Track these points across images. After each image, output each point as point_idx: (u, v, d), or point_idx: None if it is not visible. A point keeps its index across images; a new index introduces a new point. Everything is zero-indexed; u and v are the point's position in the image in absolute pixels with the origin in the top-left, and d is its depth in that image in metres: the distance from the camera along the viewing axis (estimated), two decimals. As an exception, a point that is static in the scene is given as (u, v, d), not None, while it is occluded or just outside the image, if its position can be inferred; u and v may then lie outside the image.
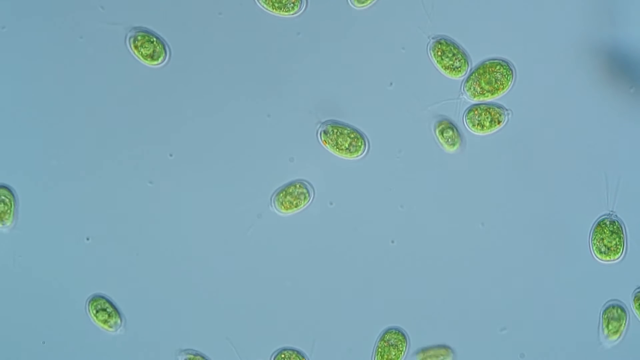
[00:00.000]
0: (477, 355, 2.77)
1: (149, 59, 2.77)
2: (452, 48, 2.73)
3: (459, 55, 2.73)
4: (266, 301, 2.79)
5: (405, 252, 2.79)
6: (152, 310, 2.79)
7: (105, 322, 2.76)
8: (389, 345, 2.77)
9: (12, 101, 2.77)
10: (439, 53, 2.73)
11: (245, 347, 2.78)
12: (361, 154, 2.75)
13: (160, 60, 2.77)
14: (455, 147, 2.72)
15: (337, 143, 2.74)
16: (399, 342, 2.77)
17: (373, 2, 2.70)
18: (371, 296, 2.79)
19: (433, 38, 2.73)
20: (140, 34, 2.67)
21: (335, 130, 2.73)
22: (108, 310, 2.76)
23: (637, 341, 2.78)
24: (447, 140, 2.69)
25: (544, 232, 2.77)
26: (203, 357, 2.77)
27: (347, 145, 2.75)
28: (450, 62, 2.73)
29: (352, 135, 2.74)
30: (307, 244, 2.79)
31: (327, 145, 2.72)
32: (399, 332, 2.77)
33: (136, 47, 2.75)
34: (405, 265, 2.79)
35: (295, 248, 2.80)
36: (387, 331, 2.77)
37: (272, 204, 2.76)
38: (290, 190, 2.76)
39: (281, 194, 2.76)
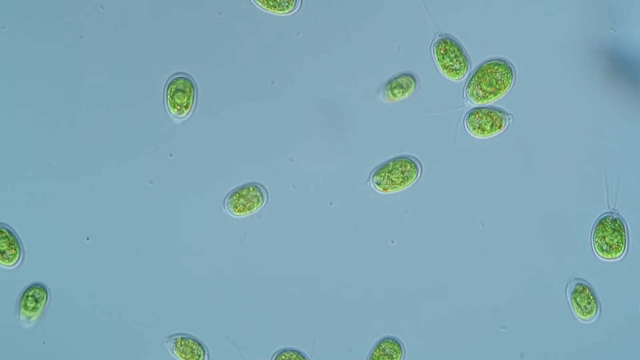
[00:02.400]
0: (477, 355, 2.77)
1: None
2: (455, 49, 2.73)
3: (460, 58, 2.73)
4: (266, 301, 2.79)
5: (405, 252, 2.79)
6: (152, 310, 2.79)
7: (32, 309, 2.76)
8: (384, 355, 2.77)
9: (12, 101, 2.77)
10: (442, 52, 2.73)
11: (245, 348, 2.78)
12: (415, 179, 2.75)
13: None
14: (409, 91, 2.71)
15: (391, 181, 2.74)
16: (394, 352, 2.77)
17: None
18: (371, 296, 2.79)
19: (440, 35, 2.73)
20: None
21: (384, 175, 2.73)
22: (36, 296, 2.75)
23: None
24: (400, 92, 2.68)
25: (545, 231, 2.77)
26: (193, 340, 2.77)
27: (401, 178, 2.74)
28: (451, 63, 2.73)
29: (401, 168, 2.73)
30: (307, 244, 2.79)
31: (387, 191, 2.72)
32: (395, 342, 2.77)
33: None
34: (405, 265, 2.79)
35: (295, 248, 2.80)
36: (384, 340, 2.77)
37: (225, 206, 2.75)
38: (244, 193, 2.75)
39: (234, 197, 2.76)
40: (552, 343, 2.78)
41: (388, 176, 2.72)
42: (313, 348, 2.78)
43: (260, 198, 2.76)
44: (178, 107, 2.75)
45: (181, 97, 2.75)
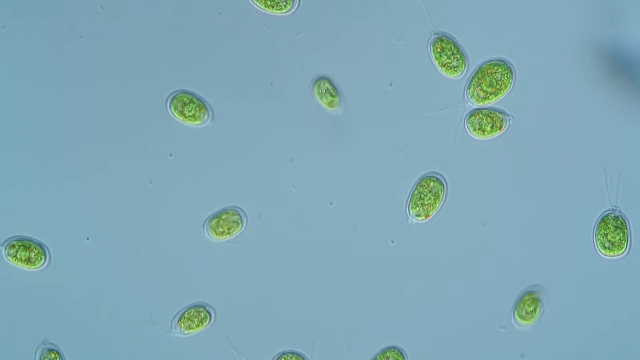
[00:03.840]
0: (477, 355, 2.77)
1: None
2: (452, 46, 2.73)
3: (458, 55, 2.73)
4: (265, 301, 2.79)
5: (405, 252, 2.79)
6: (152, 311, 2.79)
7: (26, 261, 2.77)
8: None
9: (12, 101, 2.77)
10: (439, 49, 2.74)
11: (245, 349, 2.78)
12: (445, 192, 2.76)
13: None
14: (335, 103, 2.72)
15: (427, 206, 2.75)
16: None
17: None
18: (370, 296, 2.79)
19: (435, 34, 2.73)
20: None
21: (418, 203, 2.74)
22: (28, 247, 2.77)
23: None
24: (329, 102, 2.70)
25: (546, 230, 2.77)
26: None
27: (433, 198, 2.75)
28: (448, 61, 2.74)
29: (427, 189, 2.74)
30: (307, 244, 2.79)
31: (429, 216, 2.73)
32: (399, 352, 2.78)
33: None
34: (405, 265, 2.79)
35: (294, 248, 2.80)
36: (388, 349, 2.78)
37: (205, 231, 2.76)
38: (224, 217, 2.76)
39: (214, 221, 2.76)
40: (553, 343, 2.78)
41: (422, 203, 2.73)
42: (313, 349, 2.78)
43: (240, 222, 2.77)
44: (195, 117, 2.75)
45: (192, 109, 2.75)
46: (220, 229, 2.76)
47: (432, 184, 2.73)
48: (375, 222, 2.79)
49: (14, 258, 2.75)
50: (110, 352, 2.79)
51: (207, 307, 2.76)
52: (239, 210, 2.77)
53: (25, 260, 2.75)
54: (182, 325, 2.77)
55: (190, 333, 2.78)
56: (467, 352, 2.77)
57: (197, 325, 2.77)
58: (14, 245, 2.75)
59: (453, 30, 2.75)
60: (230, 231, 2.76)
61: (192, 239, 2.79)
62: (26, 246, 2.75)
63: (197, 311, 2.76)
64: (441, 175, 2.75)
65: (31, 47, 2.77)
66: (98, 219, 2.78)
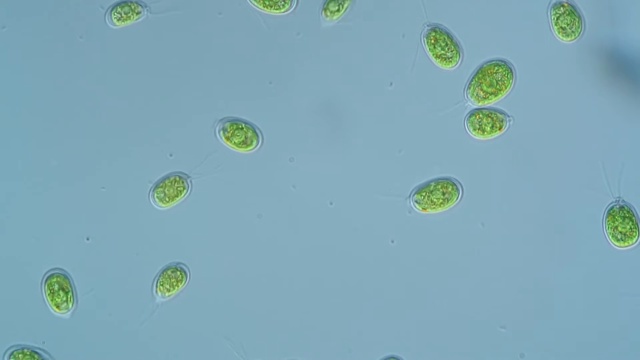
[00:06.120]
0: (477, 355, 2.77)
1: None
2: (445, 37, 2.74)
3: (452, 46, 2.74)
4: (265, 302, 2.79)
5: (405, 252, 2.79)
6: (153, 310, 2.79)
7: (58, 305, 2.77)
8: None
9: (12, 101, 2.77)
10: (432, 41, 2.74)
11: (245, 349, 2.78)
12: (456, 202, 2.76)
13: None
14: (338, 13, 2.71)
15: (431, 202, 2.75)
16: None
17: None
18: (370, 296, 2.79)
19: (428, 26, 2.74)
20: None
21: (425, 195, 2.74)
22: (65, 289, 2.76)
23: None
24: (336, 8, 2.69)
25: (547, 229, 2.77)
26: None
27: (442, 200, 2.75)
28: (442, 52, 2.74)
29: (442, 189, 2.75)
30: (307, 244, 2.80)
31: (426, 210, 2.73)
32: None
33: None
34: (405, 265, 2.79)
35: (294, 248, 2.80)
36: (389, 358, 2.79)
37: (151, 198, 2.75)
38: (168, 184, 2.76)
39: (158, 189, 2.76)
40: (552, 343, 2.78)
41: (428, 196, 2.73)
42: (313, 349, 2.78)
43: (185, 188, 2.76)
44: (242, 142, 2.76)
45: (240, 136, 2.75)
46: (168, 197, 2.75)
47: (450, 188, 2.73)
48: (375, 222, 2.79)
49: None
50: (110, 352, 2.79)
51: (182, 266, 2.76)
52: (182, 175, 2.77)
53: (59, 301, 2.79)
54: (162, 289, 2.77)
55: (170, 295, 2.77)
56: (467, 352, 2.77)
57: (175, 285, 2.77)
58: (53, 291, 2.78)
59: (454, 30, 2.75)
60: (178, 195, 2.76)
61: (192, 239, 2.79)
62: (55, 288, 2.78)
63: (174, 271, 2.76)
64: (462, 186, 2.76)
65: (31, 47, 2.77)
66: (98, 219, 2.78)
